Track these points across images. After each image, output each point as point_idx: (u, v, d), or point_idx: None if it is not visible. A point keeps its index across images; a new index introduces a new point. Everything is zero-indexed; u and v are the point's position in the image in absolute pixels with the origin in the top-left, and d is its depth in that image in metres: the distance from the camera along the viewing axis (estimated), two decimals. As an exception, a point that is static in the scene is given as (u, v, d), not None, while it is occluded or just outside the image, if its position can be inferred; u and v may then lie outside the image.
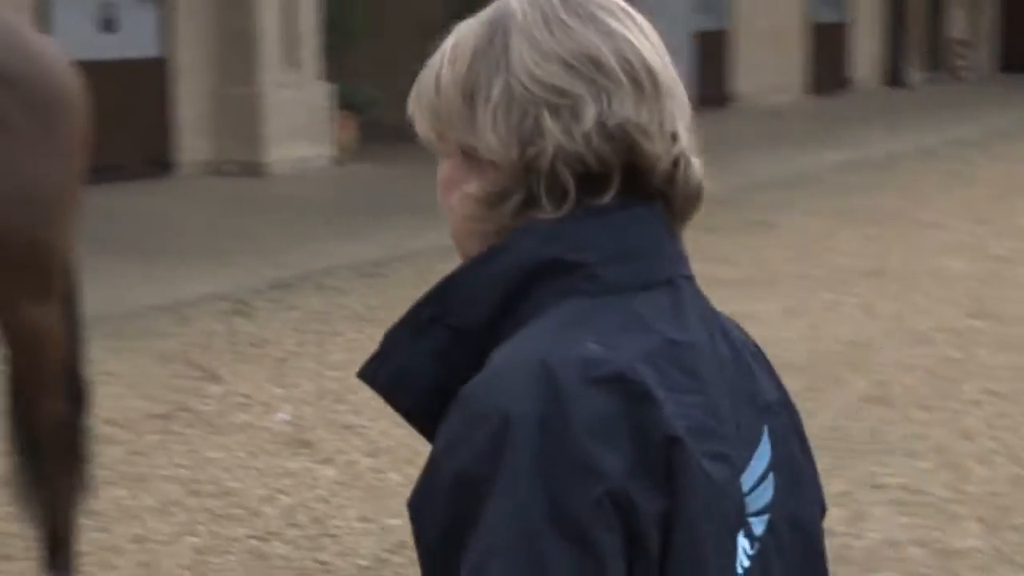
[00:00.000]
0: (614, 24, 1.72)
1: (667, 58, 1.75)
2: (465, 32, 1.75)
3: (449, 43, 1.76)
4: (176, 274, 10.57)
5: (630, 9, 1.76)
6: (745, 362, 1.77)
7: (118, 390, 7.73)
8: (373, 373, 1.73)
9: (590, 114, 1.67)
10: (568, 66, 1.69)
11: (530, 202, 1.70)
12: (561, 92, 1.68)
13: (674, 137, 1.71)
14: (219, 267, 10.81)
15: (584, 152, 1.68)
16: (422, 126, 1.77)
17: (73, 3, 13.89)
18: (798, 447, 1.81)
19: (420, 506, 1.62)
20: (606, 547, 1.55)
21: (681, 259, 1.75)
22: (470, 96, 1.72)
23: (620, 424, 1.58)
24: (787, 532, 1.74)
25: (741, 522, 1.68)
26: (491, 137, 1.69)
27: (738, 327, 1.82)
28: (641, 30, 1.74)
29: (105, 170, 13.84)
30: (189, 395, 7.83)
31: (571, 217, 1.69)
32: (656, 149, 1.69)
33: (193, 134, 15.26)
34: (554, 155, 1.67)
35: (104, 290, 9.75)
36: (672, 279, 1.72)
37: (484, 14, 1.76)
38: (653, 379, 1.61)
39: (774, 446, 1.75)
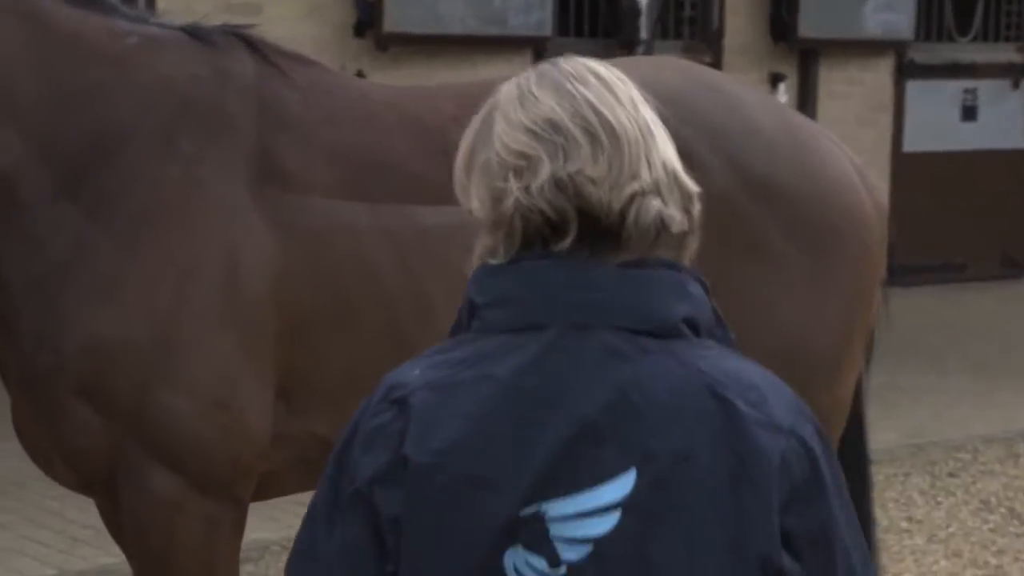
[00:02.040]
0: (578, 88, 2.04)
1: (640, 109, 2.06)
2: (475, 119, 2.10)
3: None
4: (1013, 398, 9.34)
5: (604, 71, 2.08)
6: (641, 412, 1.97)
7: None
8: None
9: (545, 170, 2.01)
10: (530, 132, 2.03)
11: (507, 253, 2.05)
12: (523, 155, 2.03)
13: (633, 177, 2.02)
14: (1065, 392, 9.48)
15: (539, 203, 2.01)
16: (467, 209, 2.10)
17: (933, 90, 12.95)
18: (702, 500, 1.96)
19: None
20: (351, 534, 2.03)
21: (585, 307, 2.01)
22: (467, 170, 2.09)
23: (389, 437, 2.02)
24: (630, 569, 1.95)
25: (513, 541, 1.96)
26: (475, 201, 2.07)
27: (674, 381, 1.99)
28: (609, 89, 2.06)
29: (951, 269, 12.96)
30: (1009, 555, 6.65)
31: (500, 265, 2.04)
32: (602, 194, 2.01)
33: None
34: (514, 208, 2.02)
35: (926, 411, 8.74)
36: (546, 324, 2.01)
37: (489, 100, 2.10)
38: (433, 406, 2.01)
39: (640, 489, 1.95)
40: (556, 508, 1.96)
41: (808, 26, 11.60)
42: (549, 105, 2.02)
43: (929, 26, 12.82)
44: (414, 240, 3.62)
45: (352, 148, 3.66)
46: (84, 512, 7.00)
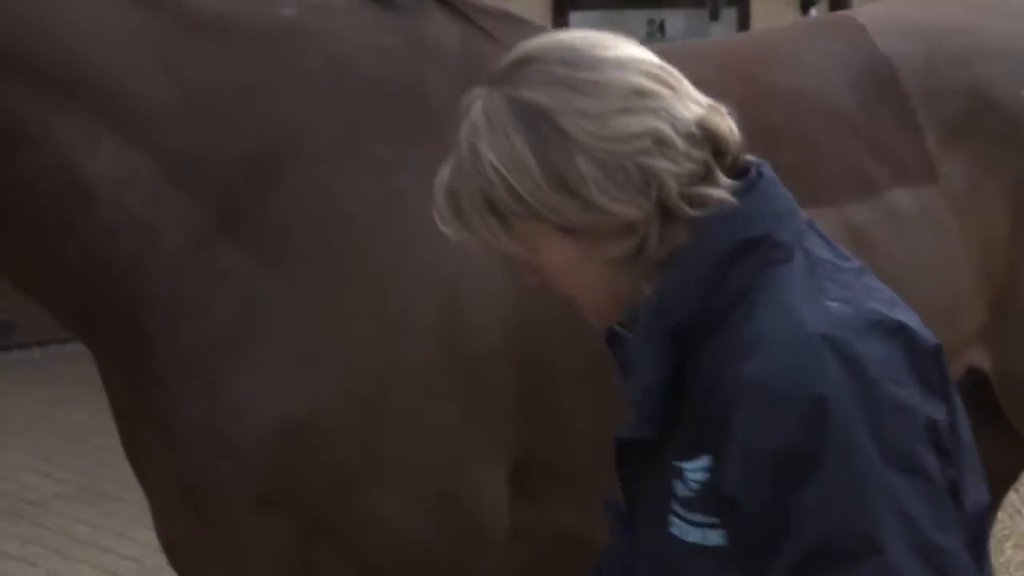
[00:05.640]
0: (615, 53, 1.94)
1: None
2: (500, 143, 1.91)
3: (489, 161, 1.90)
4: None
5: (607, 35, 1.98)
6: None
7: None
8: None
9: (669, 134, 1.90)
10: (626, 111, 1.90)
11: (666, 234, 1.93)
12: (636, 135, 1.89)
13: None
14: None
15: (691, 165, 1.92)
16: (500, 241, 1.94)
17: (603, 22, 9.97)
18: None
19: (737, 490, 1.87)
20: (932, 467, 1.88)
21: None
22: (562, 185, 1.89)
23: (898, 361, 1.89)
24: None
25: None
26: (614, 204, 1.90)
27: None
28: (631, 42, 1.99)
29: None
30: None
31: (753, 197, 1.96)
32: (725, 125, 1.97)
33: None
34: (676, 182, 1.91)
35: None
36: (806, 224, 2.04)
37: (502, 119, 1.91)
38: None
39: None
40: None
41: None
42: (615, 77, 1.92)
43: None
44: None
45: None
46: (120, 538, 6.08)
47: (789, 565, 1.88)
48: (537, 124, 1.90)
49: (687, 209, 1.92)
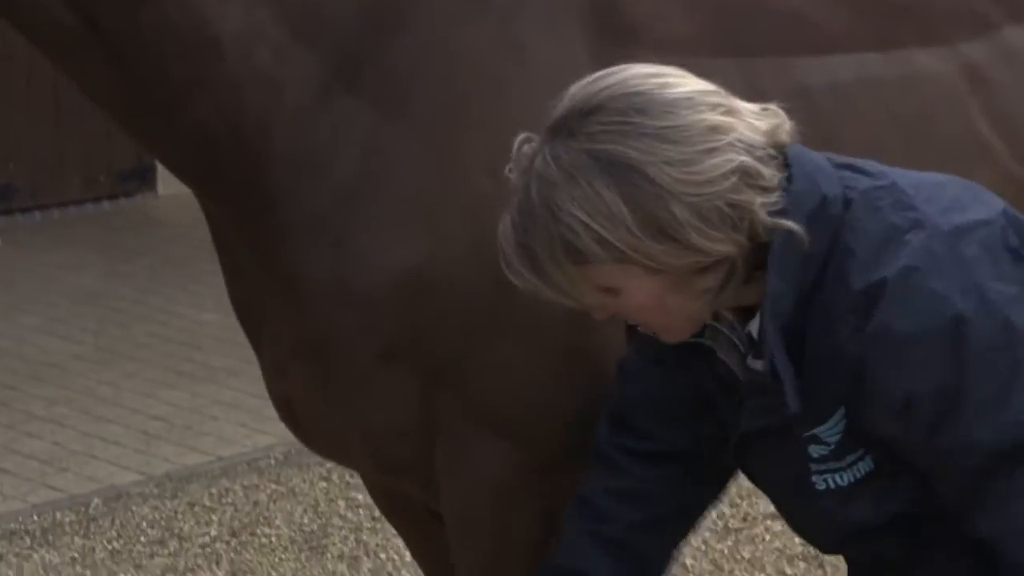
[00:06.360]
0: (679, 90, 1.99)
1: None
2: (585, 195, 1.96)
3: (572, 213, 1.96)
4: None
5: (659, 69, 2.04)
6: None
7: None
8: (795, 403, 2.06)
9: (753, 164, 1.97)
10: (706, 151, 1.95)
11: (751, 258, 2.03)
12: (724, 175, 1.96)
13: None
14: None
15: (777, 187, 2.00)
16: (579, 287, 2.02)
17: None
18: None
19: (888, 429, 2.06)
20: None
21: None
22: (660, 232, 1.96)
23: (990, 255, 2.02)
24: None
25: None
26: (715, 245, 1.98)
27: None
28: (681, 74, 2.04)
29: None
30: None
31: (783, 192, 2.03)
32: (785, 125, 2.05)
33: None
34: (764, 211, 1.99)
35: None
36: (835, 165, 2.14)
37: (584, 172, 1.96)
38: None
39: None
40: None
41: None
42: (691, 119, 1.97)
43: None
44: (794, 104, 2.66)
45: None
46: (147, 399, 6.11)
47: (970, 470, 2.03)
48: (626, 176, 1.96)
49: (766, 234, 2.02)
